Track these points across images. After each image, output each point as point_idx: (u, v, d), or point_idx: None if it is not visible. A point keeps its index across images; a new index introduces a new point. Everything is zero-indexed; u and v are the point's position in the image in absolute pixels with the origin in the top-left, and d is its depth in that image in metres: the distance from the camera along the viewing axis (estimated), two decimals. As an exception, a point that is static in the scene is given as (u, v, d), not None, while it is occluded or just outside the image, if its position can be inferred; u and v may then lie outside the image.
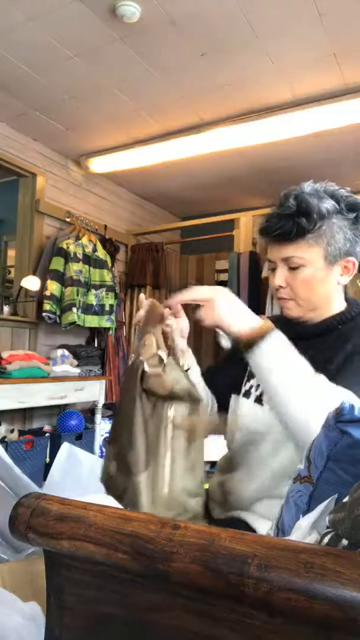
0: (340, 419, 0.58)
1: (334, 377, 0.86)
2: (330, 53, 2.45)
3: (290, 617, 0.39)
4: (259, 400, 1.05)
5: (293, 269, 0.97)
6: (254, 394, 1.07)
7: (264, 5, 2.13)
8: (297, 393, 0.83)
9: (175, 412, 0.84)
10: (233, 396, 1.13)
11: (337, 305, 1.03)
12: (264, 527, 0.92)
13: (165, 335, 0.92)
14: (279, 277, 0.99)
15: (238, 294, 3.76)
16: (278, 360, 0.85)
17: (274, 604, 0.39)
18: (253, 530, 0.93)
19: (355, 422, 0.57)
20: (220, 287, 0.93)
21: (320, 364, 0.89)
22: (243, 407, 1.08)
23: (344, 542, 0.44)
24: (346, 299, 1.06)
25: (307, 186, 0.98)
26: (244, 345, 0.87)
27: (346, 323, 1.00)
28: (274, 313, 3.15)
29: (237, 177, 4.04)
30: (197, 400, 0.88)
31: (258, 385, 1.07)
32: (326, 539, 0.47)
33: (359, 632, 0.36)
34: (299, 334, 0.96)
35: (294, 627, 0.41)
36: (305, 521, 0.55)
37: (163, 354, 0.87)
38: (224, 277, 4.41)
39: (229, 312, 0.89)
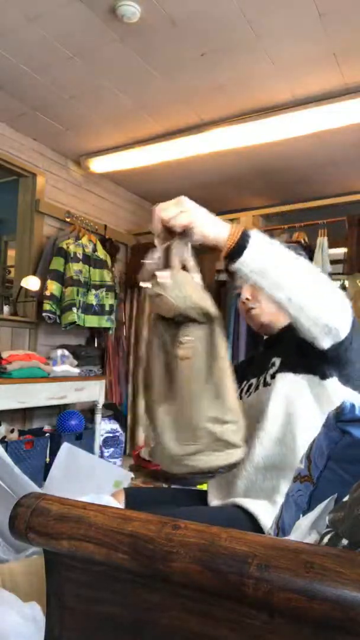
0: (340, 418, 0.58)
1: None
2: (330, 53, 2.45)
3: (290, 617, 0.39)
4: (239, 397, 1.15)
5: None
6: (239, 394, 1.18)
7: (263, 5, 2.13)
8: (299, 279, 0.87)
9: (190, 336, 0.84)
10: None
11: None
12: (260, 509, 0.96)
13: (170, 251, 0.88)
14: (246, 291, 1.20)
15: (238, 294, 3.77)
16: (270, 256, 0.88)
17: (274, 604, 0.39)
18: (250, 515, 0.96)
19: (356, 421, 0.57)
20: (184, 198, 0.90)
21: None
22: None
23: (344, 541, 0.44)
24: None
25: None
26: (231, 253, 0.86)
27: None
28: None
29: (237, 177, 4.04)
30: (212, 317, 0.89)
31: (239, 386, 1.18)
32: (326, 539, 0.47)
33: (359, 632, 0.36)
34: (270, 344, 1.15)
35: (294, 627, 0.41)
36: (305, 521, 0.55)
37: (162, 272, 0.85)
38: (224, 277, 4.40)
39: (206, 220, 0.88)
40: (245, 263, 0.85)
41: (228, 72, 2.63)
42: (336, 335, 0.90)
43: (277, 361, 1.10)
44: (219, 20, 2.22)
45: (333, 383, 0.99)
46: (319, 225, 3.44)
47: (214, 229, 0.87)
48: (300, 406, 1.00)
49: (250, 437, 1.04)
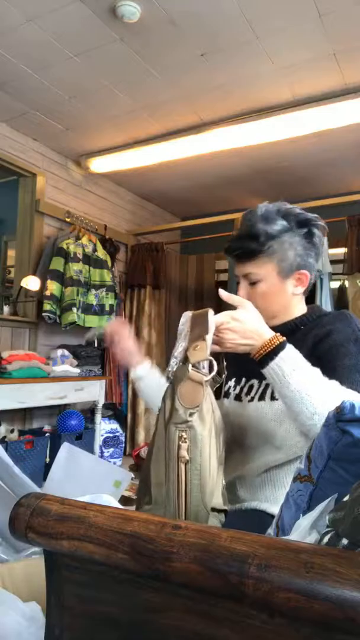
0: (341, 418, 0.58)
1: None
2: (330, 53, 2.45)
3: (290, 617, 0.39)
4: (238, 397, 1.14)
5: (252, 284, 1.11)
6: (233, 393, 1.16)
7: (263, 5, 2.13)
8: (316, 395, 0.86)
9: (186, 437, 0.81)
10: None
11: (296, 311, 1.14)
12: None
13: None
14: (242, 291, 1.13)
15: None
16: (296, 366, 0.90)
17: (274, 604, 0.39)
18: (272, 516, 0.94)
19: (356, 421, 0.57)
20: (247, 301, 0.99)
21: None
22: (224, 407, 1.16)
23: (344, 541, 0.44)
24: (309, 306, 1.17)
25: (262, 208, 1.11)
26: (267, 353, 0.92)
27: (307, 325, 1.11)
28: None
29: (237, 177, 4.04)
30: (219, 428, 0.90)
31: (236, 385, 1.16)
32: (326, 539, 0.47)
33: (358, 632, 0.36)
34: None
35: (294, 627, 0.41)
36: (305, 521, 0.55)
37: (212, 363, 0.86)
38: (224, 277, 4.40)
39: (256, 321, 0.95)
40: (276, 367, 0.90)
41: (228, 72, 2.63)
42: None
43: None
44: (219, 20, 2.22)
45: None
46: (319, 225, 3.43)
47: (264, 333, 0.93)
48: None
49: (256, 437, 1.05)
